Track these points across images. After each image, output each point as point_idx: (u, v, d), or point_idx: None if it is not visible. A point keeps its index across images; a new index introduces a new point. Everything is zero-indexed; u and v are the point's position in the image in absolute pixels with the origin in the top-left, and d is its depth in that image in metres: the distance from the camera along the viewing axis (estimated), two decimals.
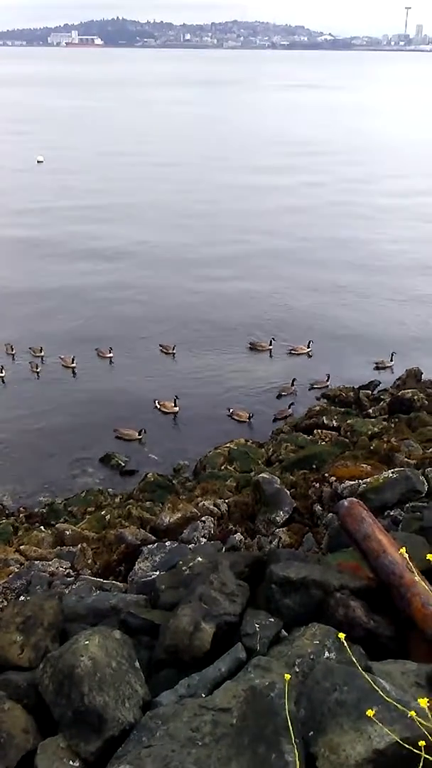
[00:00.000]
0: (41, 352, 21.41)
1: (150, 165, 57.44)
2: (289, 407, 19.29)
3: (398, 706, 3.30)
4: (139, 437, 17.95)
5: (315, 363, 22.33)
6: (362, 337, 24.23)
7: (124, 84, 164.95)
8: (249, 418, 18.72)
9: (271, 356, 22.74)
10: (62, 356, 21.62)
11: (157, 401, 19.37)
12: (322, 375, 21.09)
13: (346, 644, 3.53)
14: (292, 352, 23.02)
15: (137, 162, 58.38)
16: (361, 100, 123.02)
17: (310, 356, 22.81)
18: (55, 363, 21.59)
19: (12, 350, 21.87)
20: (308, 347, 23.08)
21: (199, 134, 77.67)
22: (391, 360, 22.31)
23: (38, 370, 20.35)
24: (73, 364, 21.34)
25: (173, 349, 22.53)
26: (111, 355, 21.77)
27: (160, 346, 22.75)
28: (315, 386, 20.88)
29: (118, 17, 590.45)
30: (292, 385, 20.69)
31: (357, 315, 26.46)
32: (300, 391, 20.54)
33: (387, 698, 3.42)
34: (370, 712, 3.19)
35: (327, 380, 20.77)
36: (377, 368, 22.30)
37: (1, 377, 20.40)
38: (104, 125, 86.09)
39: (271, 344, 23.06)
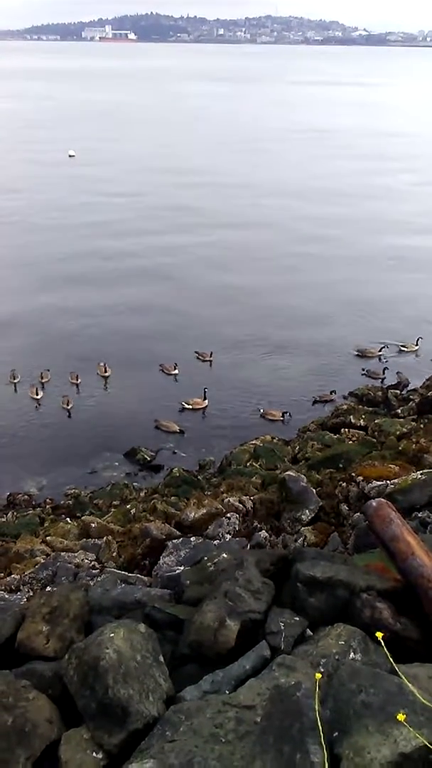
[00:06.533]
0: (77, 379, 20.51)
1: (181, 163, 57.24)
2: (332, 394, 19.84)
3: None
4: (178, 431, 18.13)
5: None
6: None
7: (157, 79, 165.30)
8: (283, 415, 18.73)
9: (380, 360, 22.40)
10: (101, 363, 21.27)
11: (184, 402, 19.37)
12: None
13: (382, 643, 3.49)
14: (402, 349, 22.95)
15: (169, 163, 57.83)
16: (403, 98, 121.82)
17: (417, 355, 22.68)
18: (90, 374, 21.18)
19: (47, 377, 20.73)
20: (416, 344, 22.82)
21: (230, 130, 77.47)
22: (417, 344, 22.31)
23: (69, 407, 19.24)
24: (107, 373, 21.12)
25: (210, 356, 22.34)
26: (176, 371, 21.28)
27: (196, 353, 22.54)
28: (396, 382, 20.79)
29: (151, 12, 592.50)
30: (384, 372, 20.94)
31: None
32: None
33: (423, 700, 3.37)
34: (401, 716, 3.14)
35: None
36: (400, 352, 22.68)
37: (37, 399, 19.62)
38: (137, 120, 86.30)
39: (381, 350, 22.73)
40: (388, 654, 3.63)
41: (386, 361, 22.09)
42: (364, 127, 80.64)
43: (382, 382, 20.68)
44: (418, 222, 39.15)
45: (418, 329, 23.33)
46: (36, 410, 19.33)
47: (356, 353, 22.77)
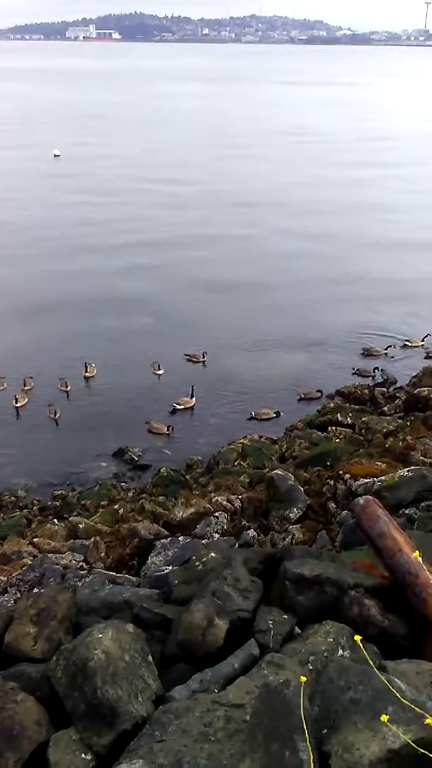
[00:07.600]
0: (67, 386, 20.33)
1: (166, 169, 56.44)
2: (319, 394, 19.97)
3: (415, 708, 3.27)
4: (167, 432, 18.11)
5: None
6: None
7: (142, 79, 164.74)
8: (277, 414, 18.80)
9: (389, 357, 22.47)
10: (91, 364, 21.20)
11: (175, 403, 19.32)
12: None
13: (361, 645, 3.50)
14: (407, 344, 23.08)
15: (153, 168, 56.52)
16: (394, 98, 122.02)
17: (425, 347, 22.82)
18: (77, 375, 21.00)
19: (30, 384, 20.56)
20: (422, 341, 22.87)
21: (217, 131, 77.36)
22: (422, 341, 22.69)
23: (57, 417, 19.00)
24: (89, 373, 20.97)
25: (203, 357, 22.11)
26: (161, 371, 21.18)
27: (186, 356, 22.24)
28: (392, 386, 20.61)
29: (136, 11, 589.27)
30: (374, 371, 21.03)
31: None
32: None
33: (403, 699, 3.38)
34: (384, 717, 3.15)
35: None
36: (405, 347, 22.95)
37: (18, 407, 19.33)
38: (122, 121, 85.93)
39: (386, 349, 22.81)
40: (368, 657, 3.64)
41: (392, 358, 22.38)
42: (351, 128, 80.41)
43: (372, 379, 20.76)
44: (410, 234, 38.90)
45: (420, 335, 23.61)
46: (21, 415, 19.26)
47: (362, 352, 22.86)
